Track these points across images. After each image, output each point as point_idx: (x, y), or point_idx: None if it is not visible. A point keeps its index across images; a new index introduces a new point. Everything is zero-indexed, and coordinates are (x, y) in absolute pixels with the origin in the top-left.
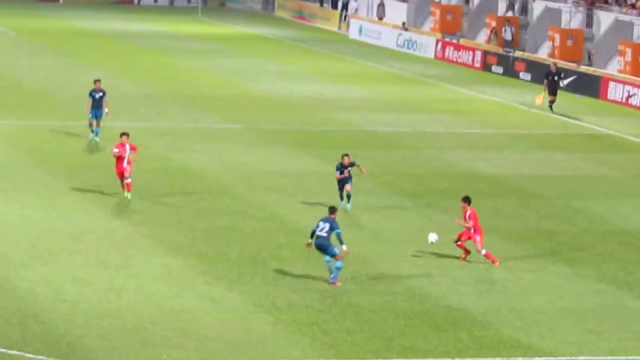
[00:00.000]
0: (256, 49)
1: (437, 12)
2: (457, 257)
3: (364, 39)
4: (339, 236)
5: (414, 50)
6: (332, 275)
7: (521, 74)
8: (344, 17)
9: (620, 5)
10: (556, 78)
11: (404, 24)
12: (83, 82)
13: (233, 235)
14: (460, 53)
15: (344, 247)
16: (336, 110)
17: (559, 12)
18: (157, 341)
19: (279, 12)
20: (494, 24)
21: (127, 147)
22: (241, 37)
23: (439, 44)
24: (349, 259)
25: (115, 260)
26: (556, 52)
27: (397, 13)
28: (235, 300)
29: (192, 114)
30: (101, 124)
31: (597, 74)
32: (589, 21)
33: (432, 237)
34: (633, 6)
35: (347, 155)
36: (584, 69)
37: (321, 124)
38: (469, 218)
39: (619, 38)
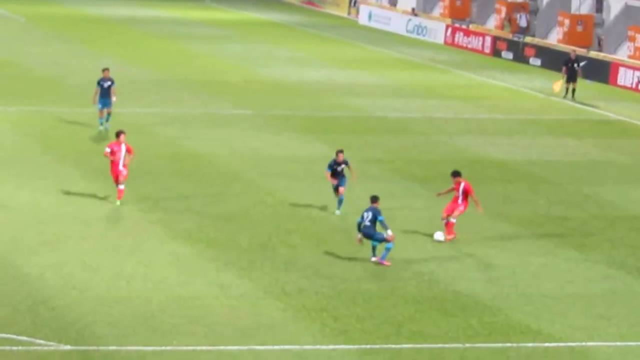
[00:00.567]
0: (265, 34)
1: None
2: (464, 243)
3: (373, 24)
4: (382, 223)
5: (424, 35)
6: (380, 256)
7: (531, 60)
8: (353, 3)
9: None
10: (575, 65)
11: (413, 9)
12: (91, 68)
13: (243, 222)
14: (470, 39)
15: (389, 232)
16: (346, 95)
17: None
18: (167, 328)
19: None
20: (504, 9)
21: (123, 147)
22: (250, 23)
23: (449, 30)
24: (358, 246)
25: (125, 247)
26: (566, 37)
27: None
28: (245, 287)
29: (202, 100)
30: (111, 111)
31: (607, 59)
32: (599, 7)
33: (438, 235)
34: None
35: (341, 151)
36: (593, 54)
37: (331, 109)
38: (464, 191)
39: (629, 24)
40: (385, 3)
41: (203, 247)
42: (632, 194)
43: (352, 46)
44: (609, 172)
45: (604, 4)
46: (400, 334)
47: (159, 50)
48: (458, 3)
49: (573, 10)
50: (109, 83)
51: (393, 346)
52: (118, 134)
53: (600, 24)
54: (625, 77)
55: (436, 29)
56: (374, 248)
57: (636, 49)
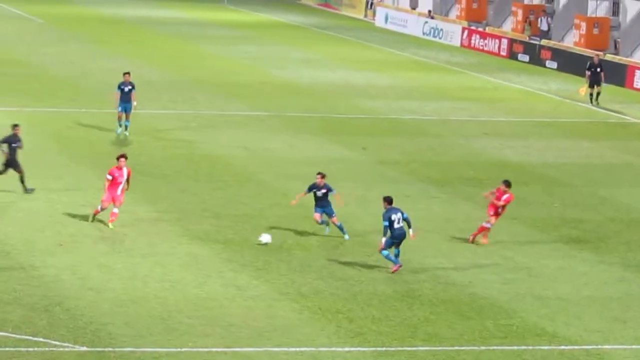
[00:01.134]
0: (281, 36)
1: (463, 0)
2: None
3: (390, 26)
4: (408, 221)
5: (440, 38)
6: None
7: (547, 62)
8: (370, 5)
9: None
10: (598, 70)
11: (430, 12)
12: (107, 69)
13: (258, 223)
14: (486, 41)
15: (411, 231)
16: (361, 97)
17: (585, 0)
18: (182, 329)
19: (304, 0)
20: (520, 12)
21: (125, 171)
22: (266, 25)
23: (465, 32)
24: (374, 248)
25: (141, 248)
26: (582, 40)
27: (423, 1)
28: (261, 288)
29: (217, 101)
30: (130, 117)
31: (623, 62)
32: (615, 10)
33: (265, 237)
34: None
35: (321, 174)
36: (609, 57)
37: (346, 111)
38: (504, 201)
39: None
40: (402, 5)
41: (219, 248)
42: None
43: (368, 48)
44: (625, 175)
45: (620, 7)
46: (416, 336)
47: (174, 51)
48: (474, 6)
49: (589, 13)
50: (130, 87)
51: (408, 348)
52: (118, 158)
53: (617, 27)
54: None
55: (452, 31)
56: (398, 255)
57: None
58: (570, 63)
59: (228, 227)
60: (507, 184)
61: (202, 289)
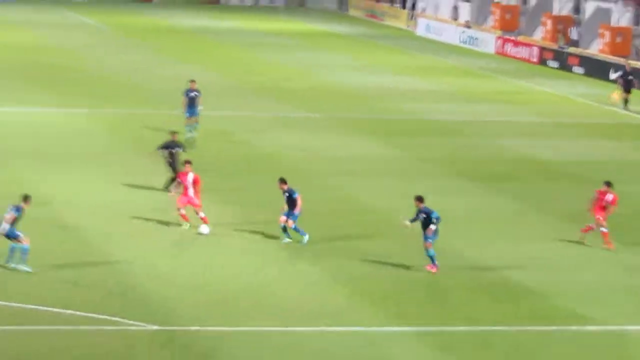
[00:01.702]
0: (332, 44)
1: (497, 11)
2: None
3: (430, 35)
4: (438, 219)
5: (476, 46)
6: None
7: (574, 68)
8: (411, 16)
9: None
10: (630, 77)
11: (467, 22)
12: (171, 75)
13: (312, 215)
14: (518, 49)
15: (432, 226)
16: (403, 100)
17: (609, 11)
18: (242, 311)
19: (352, 11)
20: (549, 22)
21: (191, 176)
22: (318, 34)
23: (499, 41)
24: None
25: (204, 238)
26: (606, 48)
27: (460, 12)
28: (314, 275)
29: (273, 104)
30: (198, 119)
31: None
32: (637, 20)
33: (203, 229)
34: None
35: (282, 180)
36: (632, 63)
37: (390, 113)
38: (612, 202)
39: None
40: (441, 15)
41: (276, 238)
42: None
43: (410, 55)
44: None
45: None
46: (456, 317)
47: (234, 58)
48: (508, 16)
49: (613, 23)
50: (196, 93)
51: (448, 328)
52: (184, 164)
53: (639, 35)
54: None
55: (487, 39)
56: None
57: None
58: (595, 69)
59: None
60: (609, 184)
61: (259, 276)
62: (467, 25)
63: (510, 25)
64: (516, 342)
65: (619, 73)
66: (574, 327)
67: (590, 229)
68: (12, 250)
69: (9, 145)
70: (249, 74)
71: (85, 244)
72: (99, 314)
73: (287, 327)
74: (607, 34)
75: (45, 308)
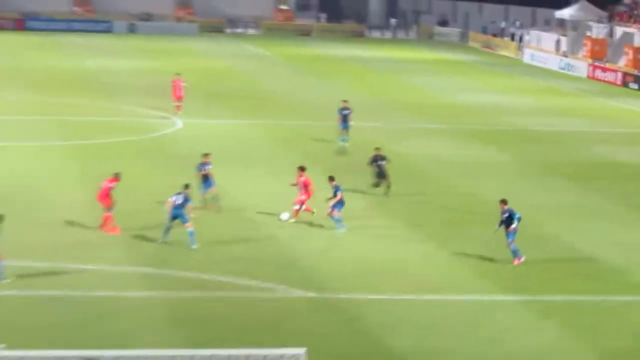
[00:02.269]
0: (455, 69)
1: (589, 43)
2: (601, 223)
3: (534, 63)
4: (519, 219)
5: (571, 71)
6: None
7: None
8: (519, 47)
9: None
10: None
11: (564, 52)
12: (326, 94)
13: (437, 206)
14: (606, 74)
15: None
16: (512, 114)
17: None
18: (378, 282)
19: (471, 43)
20: (631, 52)
21: (302, 179)
22: (444, 62)
23: (590, 67)
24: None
25: (352, 226)
26: None
27: (560, 44)
28: (440, 255)
29: (408, 118)
30: (349, 133)
31: None
32: None
33: (284, 215)
34: None
35: (330, 177)
36: None
37: (501, 125)
38: None
39: None
40: (543, 46)
41: (407, 224)
42: None
43: (517, 79)
44: None
45: None
46: (554, 289)
47: (378, 81)
48: (597, 47)
49: None
50: (348, 111)
51: (546, 298)
52: (298, 170)
53: None
54: None
55: (580, 66)
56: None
57: None
58: None
59: (414, 209)
60: None
61: (394, 255)
62: (565, 55)
63: (599, 54)
64: (603, 310)
65: None
66: None
67: None
68: (167, 229)
69: (200, 150)
70: (389, 94)
71: (255, 227)
72: (269, 282)
73: (415, 295)
74: None
75: (223, 278)
